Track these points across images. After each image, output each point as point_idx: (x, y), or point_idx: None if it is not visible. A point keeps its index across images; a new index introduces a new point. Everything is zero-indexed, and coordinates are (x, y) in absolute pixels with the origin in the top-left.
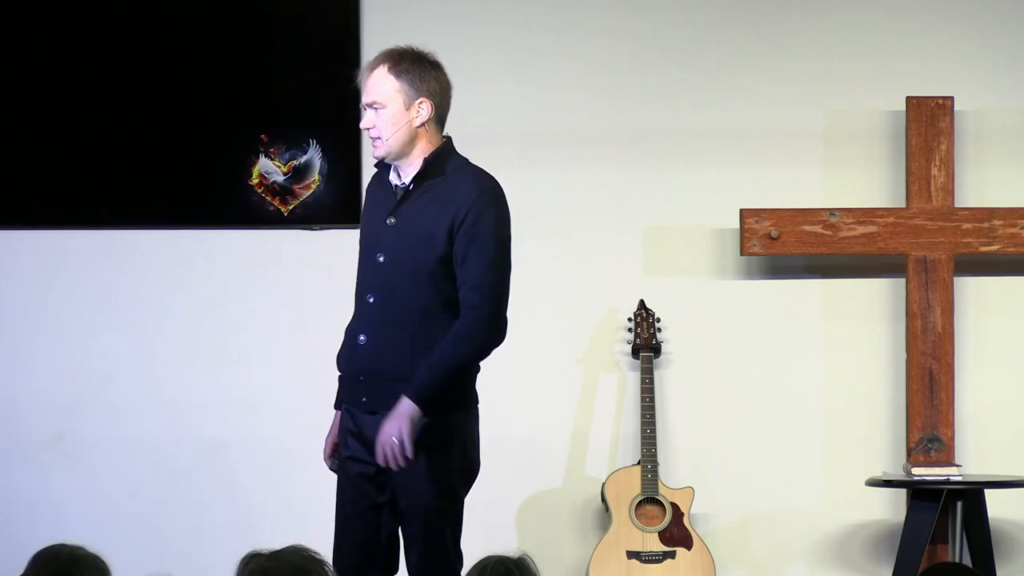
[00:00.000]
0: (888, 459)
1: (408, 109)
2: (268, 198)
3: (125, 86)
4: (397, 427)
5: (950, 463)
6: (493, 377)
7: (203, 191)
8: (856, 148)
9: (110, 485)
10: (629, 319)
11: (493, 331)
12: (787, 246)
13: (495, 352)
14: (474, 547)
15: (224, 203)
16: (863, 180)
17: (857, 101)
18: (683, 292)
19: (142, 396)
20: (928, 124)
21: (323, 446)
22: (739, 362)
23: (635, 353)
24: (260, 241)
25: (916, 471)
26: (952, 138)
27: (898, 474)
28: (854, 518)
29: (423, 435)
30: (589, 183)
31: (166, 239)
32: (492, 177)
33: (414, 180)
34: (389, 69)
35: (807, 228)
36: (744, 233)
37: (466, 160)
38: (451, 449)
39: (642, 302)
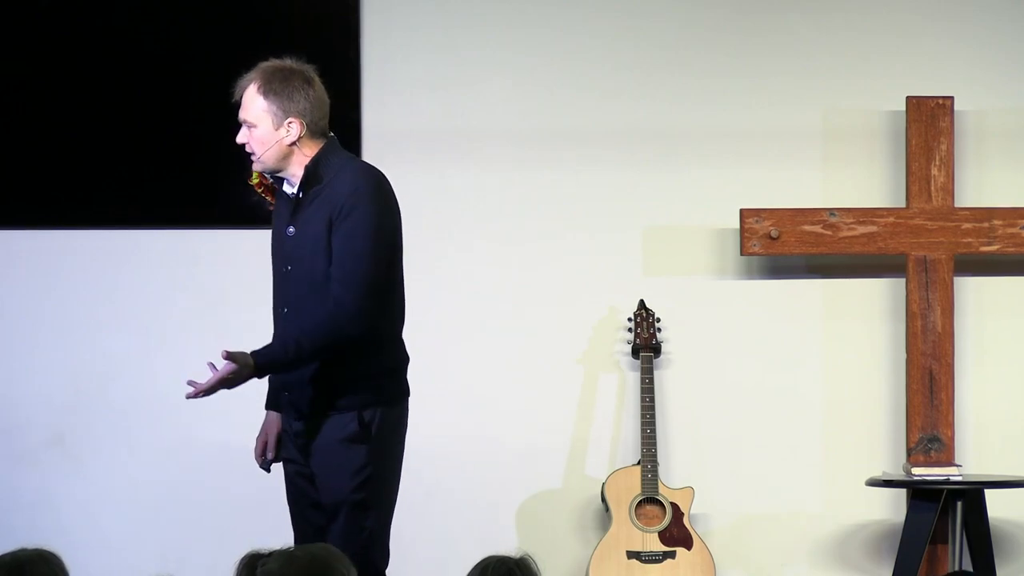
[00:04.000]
0: (888, 459)
1: (277, 129)
2: (268, 198)
3: (124, 86)
4: (222, 370)
5: (950, 463)
6: (493, 377)
7: (203, 191)
8: (856, 148)
9: (110, 485)
10: (629, 319)
11: (353, 327)
12: (787, 246)
13: (495, 351)
14: (474, 547)
15: (224, 203)
16: (863, 180)
17: (857, 101)
18: (683, 292)
19: (142, 396)
20: (928, 124)
21: (253, 445)
22: (739, 362)
23: (635, 353)
24: (260, 241)
25: (916, 471)
26: (952, 138)
27: (898, 474)
28: (854, 518)
29: (340, 430)
30: (589, 183)
31: (166, 239)
32: (371, 171)
33: (300, 188)
34: (258, 89)
35: (807, 228)
36: (744, 233)
37: (348, 158)
38: (368, 444)
39: (642, 302)
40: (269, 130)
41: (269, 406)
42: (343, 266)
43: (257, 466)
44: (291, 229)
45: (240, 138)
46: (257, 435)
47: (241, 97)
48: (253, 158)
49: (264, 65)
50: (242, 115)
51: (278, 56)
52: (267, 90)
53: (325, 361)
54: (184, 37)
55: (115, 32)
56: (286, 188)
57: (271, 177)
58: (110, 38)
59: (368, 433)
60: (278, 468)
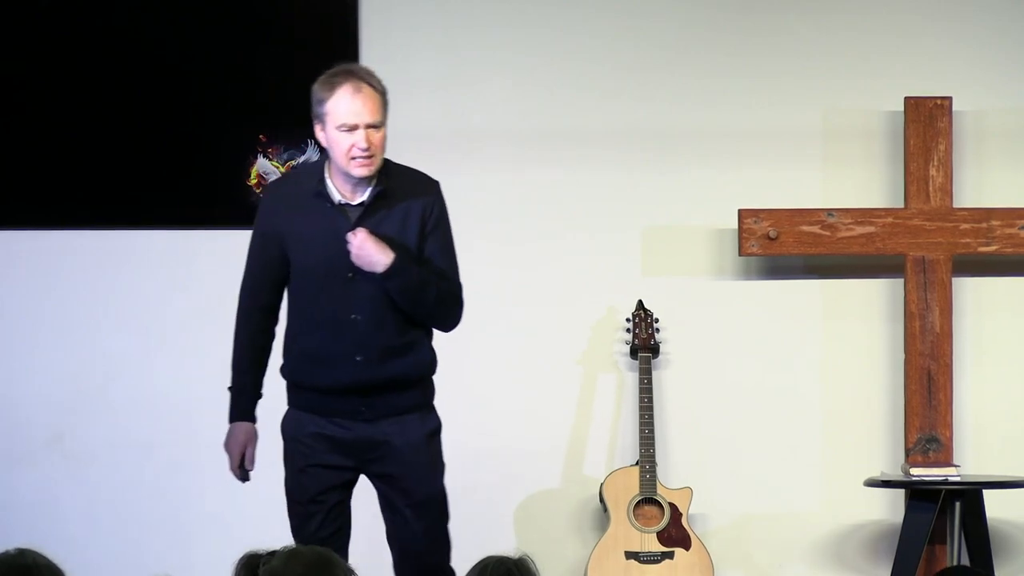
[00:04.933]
0: (886, 459)
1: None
2: None
3: (122, 86)
4: (375, 243)
5: (948, 463)
6: (492, 377)
7: (202, 191)
8: (854, 148)
9: (110, 485)
10: (627, 319)
11: (459, 317)
12: (785, 246)
13: (494, 351)
14: (473, 547)
15: (222, 203)
16: (862, 180)
17: (856, 101)
18: (681, 292)
19: (142, 396)
20: (926, 124)
21: (229, 457)
22: (737, 362)
23: (633, 353)
24: None
25: (914, 471)
26: (950, 138)
27: (896, 474)
28: (852, 518)
29: (423, 427)
30: (587, 183)
31: (165, 239)
32: (423, 173)
33: (373, 194)
34: (377, 89)
35: (805, 228)
36: (742, 233)
37: (393, 162)
38: (439, 439)
39: (640, 302)
40: (385, 132)
41: (241, 418)
42: (453, 266)
43: (260, 466)
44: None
45: (367, 142)
46: (228, 447)
47: (360, 101)
48: (371, 162)
49: (357, 67)
50: (368, 119)
51: (276, 56)
52: (382, 90)
53: (403, 362)
54: (183, 37)
55: (114, 32)
56: (333, 195)
57: (296, 182)
58: (109, 38)
59: (439, 430)
60: (275, 474)
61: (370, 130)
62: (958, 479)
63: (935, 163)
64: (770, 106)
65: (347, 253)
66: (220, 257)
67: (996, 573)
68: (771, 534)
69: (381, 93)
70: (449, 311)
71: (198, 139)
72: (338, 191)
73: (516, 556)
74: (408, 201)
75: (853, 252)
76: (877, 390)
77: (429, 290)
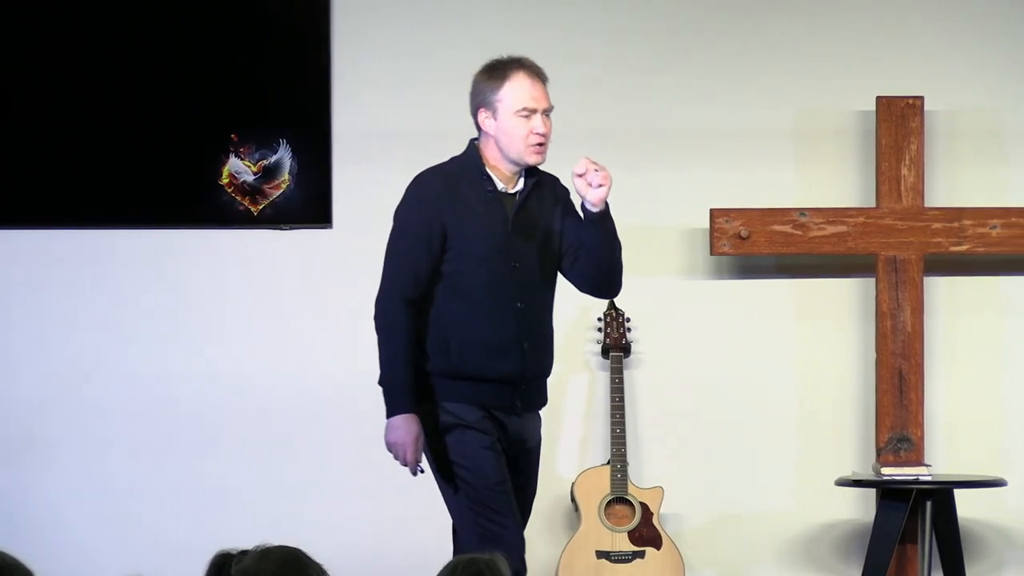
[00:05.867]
0: (858, 459)
1: None
2: (238, 198)
3: (94, 86)
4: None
5: (919, 463)
6: None
7: (173, 191)
8: (827, 148)
9: (82, 485)
10: (599, 319)
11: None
12: (757, 246)
13: None
14: (445, 546)
15: (194, 203)
16: (834, 180)
17: (828, 101)
18: (653, 292)
19: (114, 396)
20: (898, 124)
21: (407, 452)
22: (709, 362)
23: (605, 353)
24: (230, 241)
25: (886, 471)
26: (922, 138)
27: (868, 474)
28: (824, 518)
29: (539, 423)
30: None
31: (136, 239)
32: None
33: (528, 183)
34: (545, 78)
35: (777, 228)
36: (714, 233)
37: None
38: None
39: (612, 302)
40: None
41: (410, 409)
42: None
43: (233, 466)
44: (515, 224)
45: (544, 127)
46: (398, 441)
47: (537, 87)
48: (542, 151)
49: (523, 57)
50: (545, 104)
51: (248, 56)
52: (546, 79)
53: (551, 353)
54: (155, 37)
55: (85, 32)
56: (498, 184)
57: (459, 169)
58: (81, 38)
59: None
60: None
61: (545, 116)
62: (929, 478)
63: (907, 163)
64: (742, 106)
65: (511, 241)
66: (190, 257)
67: (967, 572)
68: (742, 533)
69: (546, 82)
70: (621, 272)
71: (170, 139)
72: (499, 179)
73: (487, 556)
74: (549, 191)
75: (825, 252)
76: (848, 389)
77: (614, 252)
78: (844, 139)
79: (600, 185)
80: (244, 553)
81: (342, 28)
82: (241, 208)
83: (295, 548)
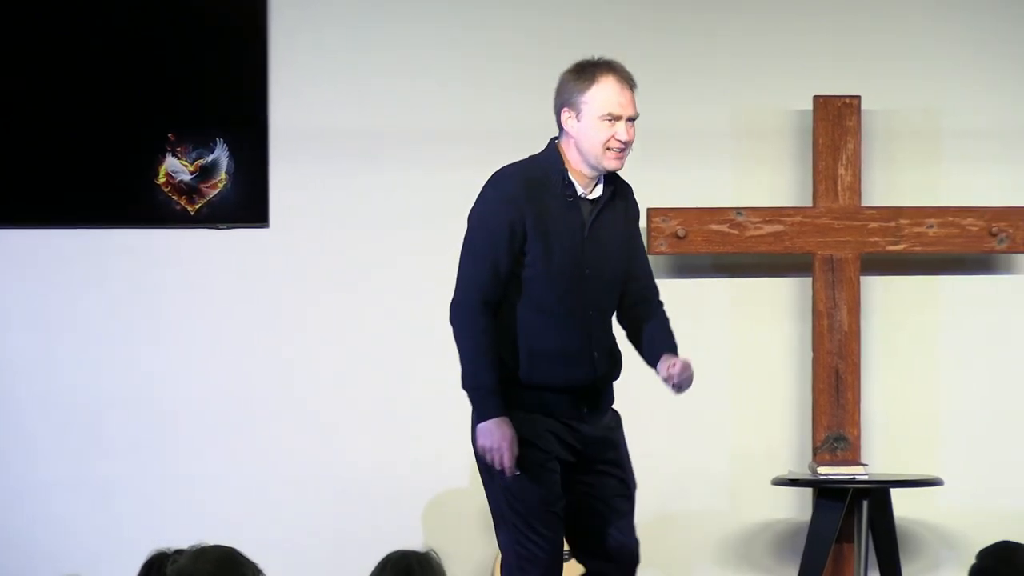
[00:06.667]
0: (794, 458)
1: None
2: (175, 197)
3: (29, 84)
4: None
5: (856, 462)
6: (406, 374)
7: (109, 190)
8: (764, 147)
9: (9, 486)
10: None
11: None
12: (694, 245)
13: (409, 349)
14: (379, 544)
15: (131, 202)
16: (771, 179)
17: (764, 100)
18: None
19: (47, 396)
20: (835, 123)
21: (503, 456)
22: (644, 361)
23: None
24: (167, 240)
25: (822, 470)
26: (859, 137)
27: (804, 473)
28: (760, 517)
29: (619, 419)
30: None
31: (72, 238)
32: None
33: (606, 190)
34: (634, 86)
35: (714, 227)
36: (651, 232)
37: None
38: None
39: None
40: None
41: (502, 412)
42: (647, 261)
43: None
44: (591, 232)
45: (627, 134)
46: (493, 444)
47: (628, 94)
48: (622, 157)
49: (614, 61)
50: (631, 111)
51: (185, 54)
52: (635, 87)
53: (618, 359)
54: (89, 35)
55: (20, 29)
56: (580, 191)
57: (543, 175)
58: (14, 35)
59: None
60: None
61: (629, 123)
62: (865, 478)
63: (844, 162)
64: (679, 104)
65: (586, 248)
66: (126, 256)
67: (903, 572)
68: (679, 533)
69: (634, 89)
70: None
71: (106, 138)
72: (579, 184)
73: (422, 551)
74: (622, 200)
75: (761, 251)
76: (785, 389)
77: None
78: (781, 138)
79: (689, 376)
80: (180, 552)
81: (278, 26)
82: (178, 207)
83: (230, 547)
